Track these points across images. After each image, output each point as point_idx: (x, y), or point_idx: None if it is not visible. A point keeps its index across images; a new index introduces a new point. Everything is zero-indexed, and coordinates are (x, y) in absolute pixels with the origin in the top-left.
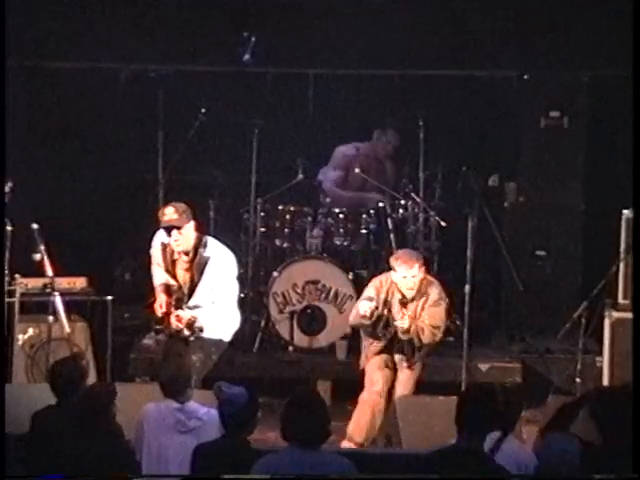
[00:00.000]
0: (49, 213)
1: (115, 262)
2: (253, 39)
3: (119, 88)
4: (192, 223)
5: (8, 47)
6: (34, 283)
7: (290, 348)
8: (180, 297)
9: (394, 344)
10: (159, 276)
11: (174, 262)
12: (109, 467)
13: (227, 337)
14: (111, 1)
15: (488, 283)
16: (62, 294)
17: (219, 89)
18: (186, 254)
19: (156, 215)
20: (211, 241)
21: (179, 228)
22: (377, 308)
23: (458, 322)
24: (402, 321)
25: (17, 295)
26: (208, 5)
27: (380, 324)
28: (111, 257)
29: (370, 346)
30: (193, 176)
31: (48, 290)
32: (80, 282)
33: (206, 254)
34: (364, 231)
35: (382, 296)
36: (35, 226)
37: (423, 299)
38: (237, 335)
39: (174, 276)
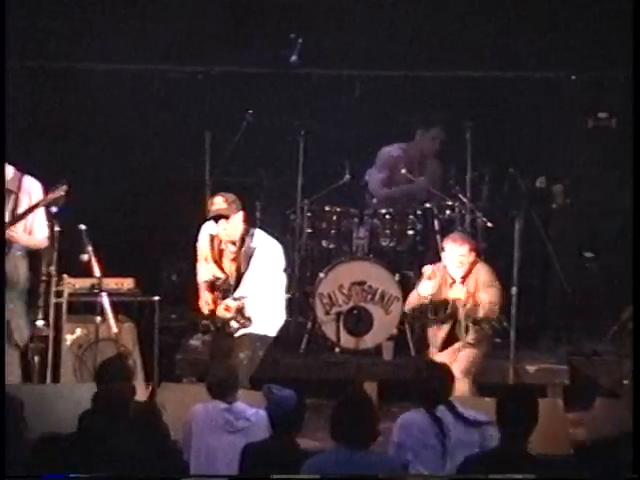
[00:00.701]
0: (97, 214)
1: (162, 263)
2: (300, 41)
3: (167, 89)
4: (241, 213)
5: (51, 48)
6: (82, 284)
7: (336, 349)
8: (226, 289)
9: (458, 328)
10: (204, 273)
11: (221, 252)
12: (157, 468)
13: (272, 332)
14: (160, 3)
15: (535, 285)
16: (110, 294)
17: (266, 90)
18: (233, 244)
19: (203, 215)
20: (258, 232)
21: (227, 217)
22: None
23: (505, 323)
24: (460, 290)
25: (65, 295)
26: (255, 6)
27: (440, 306)
28: (158, 258)
29: (435, 336)
30: (240, 177)
31: (96, 291)
32: (127, 283)
33: (253, 244)
34: (410, 232)
35: (437, 280)
36: (83, 227)
37: (475, 281)
38: (283, 336)
39: (221, 267)
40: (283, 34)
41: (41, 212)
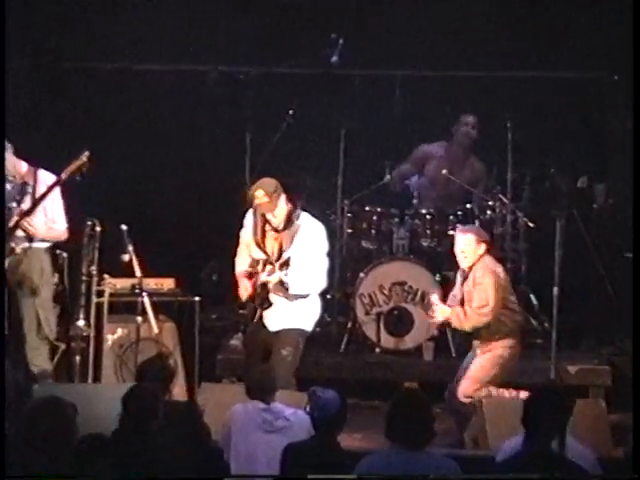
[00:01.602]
0: (138, 214)
1: (202, 263)
2: (341, 41)
3: (208, 90)
4: (283, 197)
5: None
6: (123, 283)
7: (377, 349)
8: (269, 265)
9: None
10: (243, 262)
11: (264, 232)
12: (197, 469)
13: (310, 327)
14: (197, 3)
15: (577, 285)
16: (150, 294)
17: (306, 91)
18: (276, 228)
19: (243, 217)
20: (303, 214)
21: (272, 210)
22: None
23: (546, 324)
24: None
25: (106, 295)
26: (296, 7)
27: None
28: (199, 258)
29: None
30: (280, 178)
31: (136, 290)
32: (168, 283)
33: (297, 223)
34: (451, 232)
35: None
36: (124, 227)
37: (473, 279)
38: (324, 336)
39: (264, 250)
40: (324, 34)
41: (60, 204)
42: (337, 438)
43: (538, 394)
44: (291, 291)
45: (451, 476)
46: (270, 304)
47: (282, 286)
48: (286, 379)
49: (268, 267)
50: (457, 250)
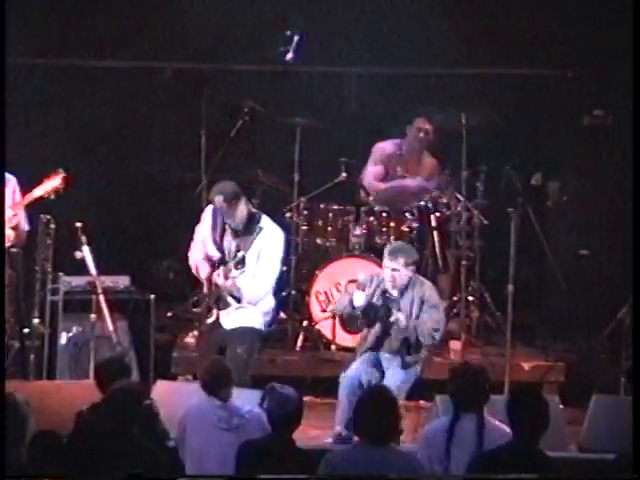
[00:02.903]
0: (92, 212)
1: (158, 261)
2: (296, 38)
3: (162, 87)
4: (243, 200)
5: (48, 46)
6: (77, 281)
7: (332, 347)
8: (225, 265)
9: (383, 341)
10: (198, 252)
11: (224, 232)
12: (152, 467)
13: (264, 326)
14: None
15: (531, 282)
16: (105, 292)
17: (262, 88)
18: (236, 228)
19: (198, 214)
20: (264, 217)
21: (231, 215)
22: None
23: (501, 321)
24: (398, 314)
25: (61, 293)
26: (250, 3)
27: (371, 317)
28: (154, 256)
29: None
30: (235, 175)
31: (91, 288)
32: (123, 281)
33: (257, 227)
34: (406, 229)
35: (372, 289)
36: (78, 224)
37: (418, 300)
38: (279, 333)
39: (220, 246)
40: (279, 31)
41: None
42: (293, 435)
43: (520, 395)
44: (243, 299)
45: (415, 473)
46: (226, 304)
47: (234, 294)
48: (241, 377)
49: (221, 268)
50: (386, 272)
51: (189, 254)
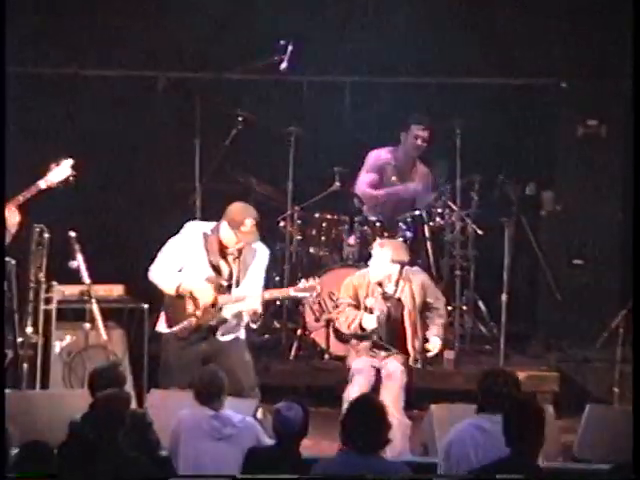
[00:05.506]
0: (87, 220)
1: None
2: (290, 47)
3: (156, 96)
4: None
5: (41, 55)
6: (71, 290)
7: (326, 356)
8: (226, 287)
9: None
10: (168, 278)
11: (225, 255)
12: (145, 476)
13: (255, 336)
14: (148, 9)
15: (525, 292)
16: (99, 301)
17: (256, 97)
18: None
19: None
20: None
21: (255, 241)
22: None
23: (495, 330)
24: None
25: (54, 302)
26: (245, 12)
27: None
28: (148, 265)
29: (356, 345)
30: (230, 184)
31: (85, 297)
32: (117, 289)
33: (252, 248)
34: (400, 239)
35: (379, 314)
36: (72, 234)
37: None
38: (274, 342)
39: (219, 270)
40: (273, 41)
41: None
42: (299, 448)
43: (518, 406)
44: (240, 332)
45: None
46: (225, 321)
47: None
48: (252, 383)
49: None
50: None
51: (155, 270)
